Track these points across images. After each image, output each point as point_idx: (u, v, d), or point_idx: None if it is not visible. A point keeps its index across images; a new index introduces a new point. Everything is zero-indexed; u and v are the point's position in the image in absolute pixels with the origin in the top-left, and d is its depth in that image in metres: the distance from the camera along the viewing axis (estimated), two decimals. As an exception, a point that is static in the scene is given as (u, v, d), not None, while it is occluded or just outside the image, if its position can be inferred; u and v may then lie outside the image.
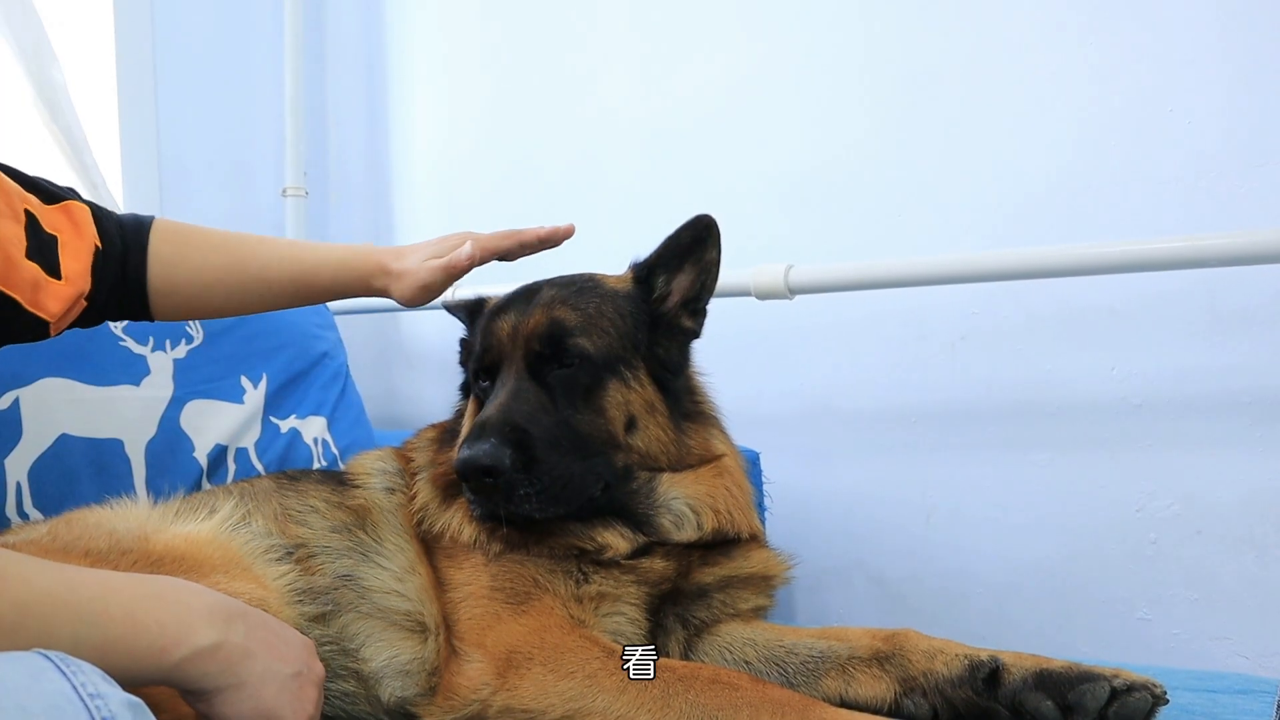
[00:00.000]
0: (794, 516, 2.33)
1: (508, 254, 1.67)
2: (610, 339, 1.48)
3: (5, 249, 1.28)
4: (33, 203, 1.37)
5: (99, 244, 1.45)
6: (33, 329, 1.38)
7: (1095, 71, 2.03)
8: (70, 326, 1.49)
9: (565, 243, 1.69)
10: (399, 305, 1.68)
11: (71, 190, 1.50)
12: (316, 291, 1.65)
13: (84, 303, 1.44)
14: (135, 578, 1.03)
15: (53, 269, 1.36)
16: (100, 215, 1.50)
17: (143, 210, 2.70)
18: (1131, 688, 1.17)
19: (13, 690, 0.75)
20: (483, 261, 1.62)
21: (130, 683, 0.91)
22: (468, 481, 1.38)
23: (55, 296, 1.36)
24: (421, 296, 1.61)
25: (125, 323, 2.03)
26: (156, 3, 2.80)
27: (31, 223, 1.34)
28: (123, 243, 1.51)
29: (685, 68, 2.55)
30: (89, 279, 1.42)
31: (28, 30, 2.38)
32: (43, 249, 1.35)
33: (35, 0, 2.40)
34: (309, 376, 2.29)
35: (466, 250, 1.58)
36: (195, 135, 2.90)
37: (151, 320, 1.59)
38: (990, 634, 2.15)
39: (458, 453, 1.38)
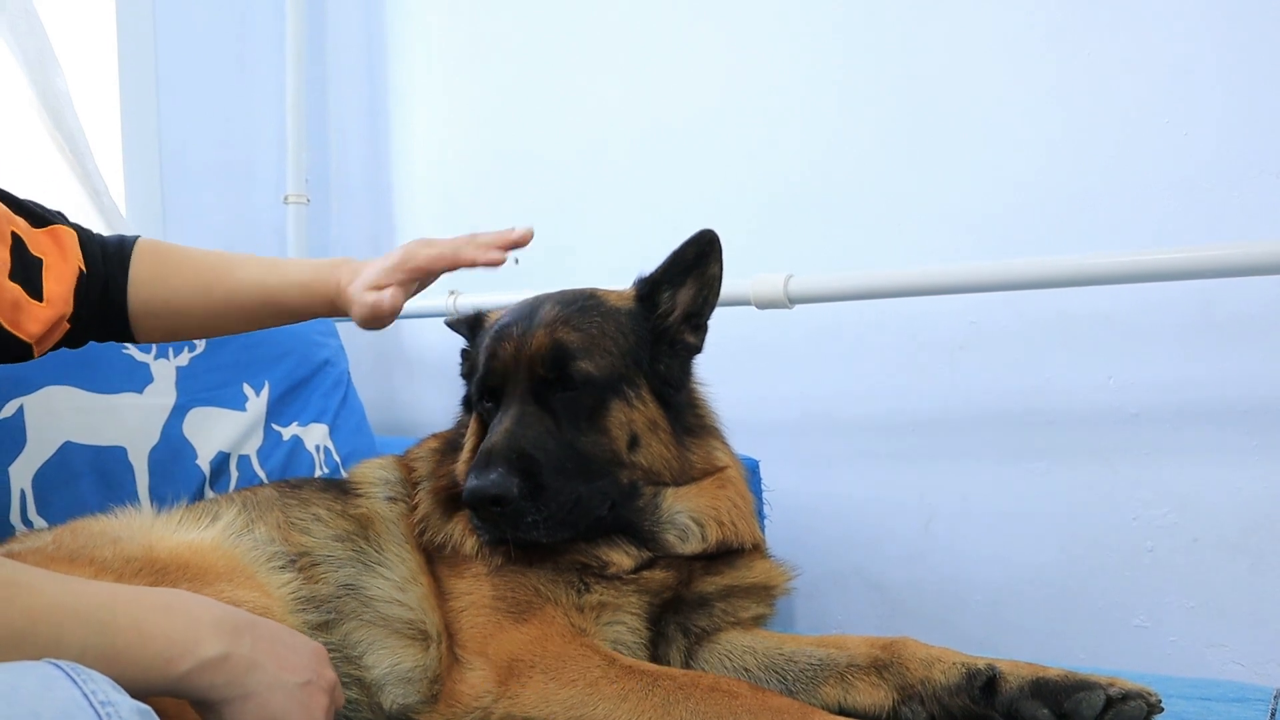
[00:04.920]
0: (793, 524, 2.34)
1: (457, 261, 1.64)
2: (612, 358, 1.48)
3: None
4: (20, 225, 1.40)
5: (83, 268, 1.47)
6: (13, 350, 1.40)
7: (1093, 82, 2.04)
8: (56, 348, 1.50)
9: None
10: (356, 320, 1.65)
11: (60, 214, 1.52)
12: (285, 314, 1.65)
13: (66, 325, 1.46)
14: (143, 589, 1.05)
15: (35, 291, 1.39)
16: (86, 239, 1.52)
17: (145, 216, 2.73)
18: (1127, 696, 1.19)
19: (26, 698, 0.77)
20: (435, 275, 1.62)
21: (137, 693, 0.92)
22: (475, 511, 1.39)
23: (35, 319, 1.39)
24: (368, 324, 1.61)
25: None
26: (159, 11, 2.81)
27: (17, 245, 1.37)
28: (106, 265, 1.53)
29: (686, 73, 2.56)
30: (71, 302, 1.44)
31: (31, 38, 2.39)
32: (27, 271, 1.38)
33: (39, 8, 2.41)
34: (311, 384, 2.30)
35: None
36: (197, 142, 2.91)
37: (135, 342, 1.61)
38: (988, 641, 2.16)
39: (464, 482, 1.40)
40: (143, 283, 1.56)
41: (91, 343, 1.71)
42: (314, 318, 1.68)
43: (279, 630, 1.11)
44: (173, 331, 1.64)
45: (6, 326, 1.35)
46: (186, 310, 1.59)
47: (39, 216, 1.46)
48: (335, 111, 3.21)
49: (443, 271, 1.62)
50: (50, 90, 2.42)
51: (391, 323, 1.64)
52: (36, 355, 1.45)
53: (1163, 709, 1.20)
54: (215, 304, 1.60)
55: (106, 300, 1.53)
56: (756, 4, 2.45)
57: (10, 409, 1.87)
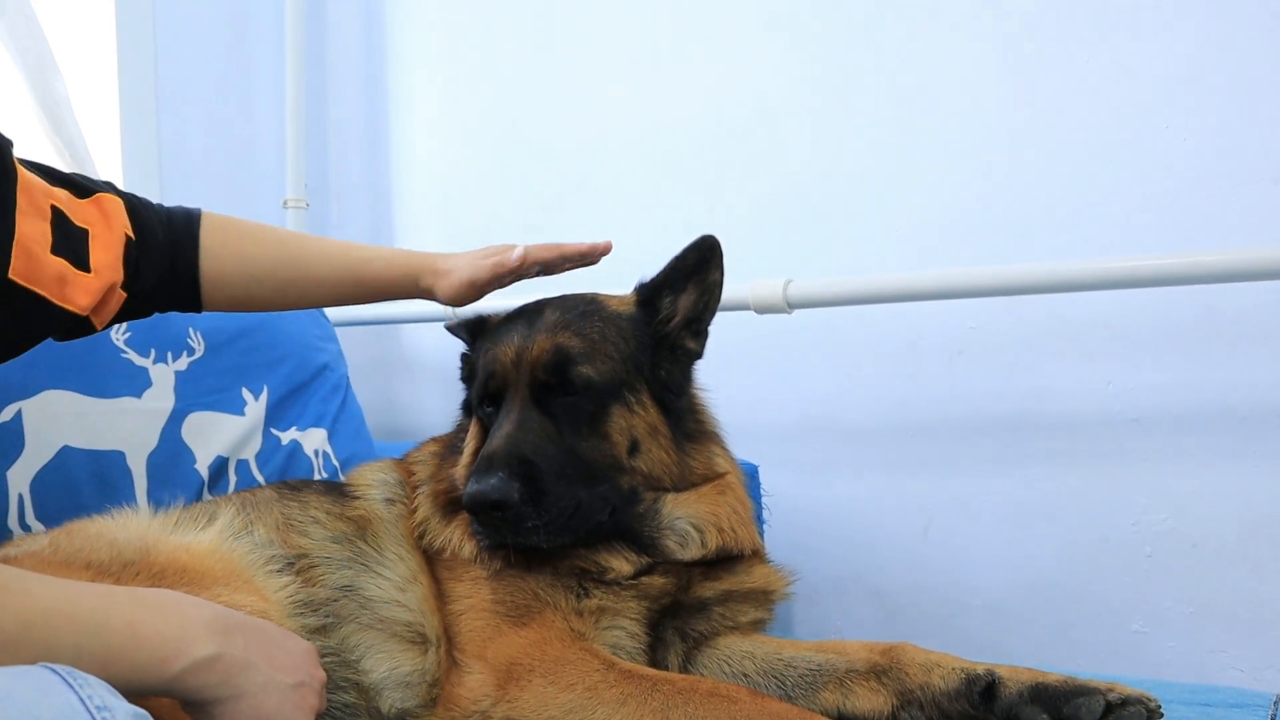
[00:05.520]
0: (792, 529, 2.34)
1: (550, 266, 1.68)
2: (613, 364, 1.48)
3: (27, 246, 1.30)
4: (60, 197, 1.38)
5: (130, 234, 1.46)
6: (67, 323, 1.40)
7: (1092, 87, 2.05)
8: (120, 319, 1.50)
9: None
10: (443, 304, 1.70)
11: (107, 184, 1.51)
12: (365, 290, 1.67)
13: (122, 294, 1.45)
14: (135, 591, 1.05)
15: (82, 263, 1.38)
16: (139, 206, 1.51)
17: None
18: (1126, 701, 1.19)
19: (22, 704, 0.77)
20: (528, 268, 1.65)
21: (131, 694, 0.93)
22: (476, 516, 1.39)
23: (84, 290, 1.38)
24: (468, 293, 1.62)
25: (127, 335, 2.03)
26: (158, 16, 2.81)
27: (59, 219, 1.36)
28: (170, 234, 1.53)
29: (686, 80, 2.56)
30: (120, 269, 1.43)
31: (31, 43, 2.39)
32: (71, 243, 1.36)
33: (39, 13, 2.41)
34: (310, 388, 2.30)
35: (518, 252, 1.61)
36: (197, 148, 2.92)
37: (200, 311, 1.61)
38: (987, 646, 2.16)
39: (465, 487, 1.39)
40: (217, 253, 1.56)
41: (89, 346, 1.71)
42: (392, 297, 1.69)
43: (272, 630, 1.12)
44: (243, 301, 1.63)
45: (54, 301, 1.34)
46: (263, 280, 1.60)
47: (84, 188, 1.45)
48: (335, 116, 3.21)
49: (543, 264, 1.67)
50: (50, 95, 2.43)
51: (485, 293, 1.67)
52: (100, 327, 1.46)
53: (1162, 714, 1.20)
54: (295, 275, 1.61)
55: (175, 269, 1.53)
56: (755, 9, 2.45)
57: (8, 413, 1.87)
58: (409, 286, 1.66)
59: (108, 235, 1.42)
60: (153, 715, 0.87)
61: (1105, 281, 1.86)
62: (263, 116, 3.08)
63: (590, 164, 2.72)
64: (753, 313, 2.16)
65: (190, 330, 2.13)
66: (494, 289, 1.66)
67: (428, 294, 1.66)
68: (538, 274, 1.70)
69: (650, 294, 1.57)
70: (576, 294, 1.60)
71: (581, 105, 2.74)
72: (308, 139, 3.09)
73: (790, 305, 2.12)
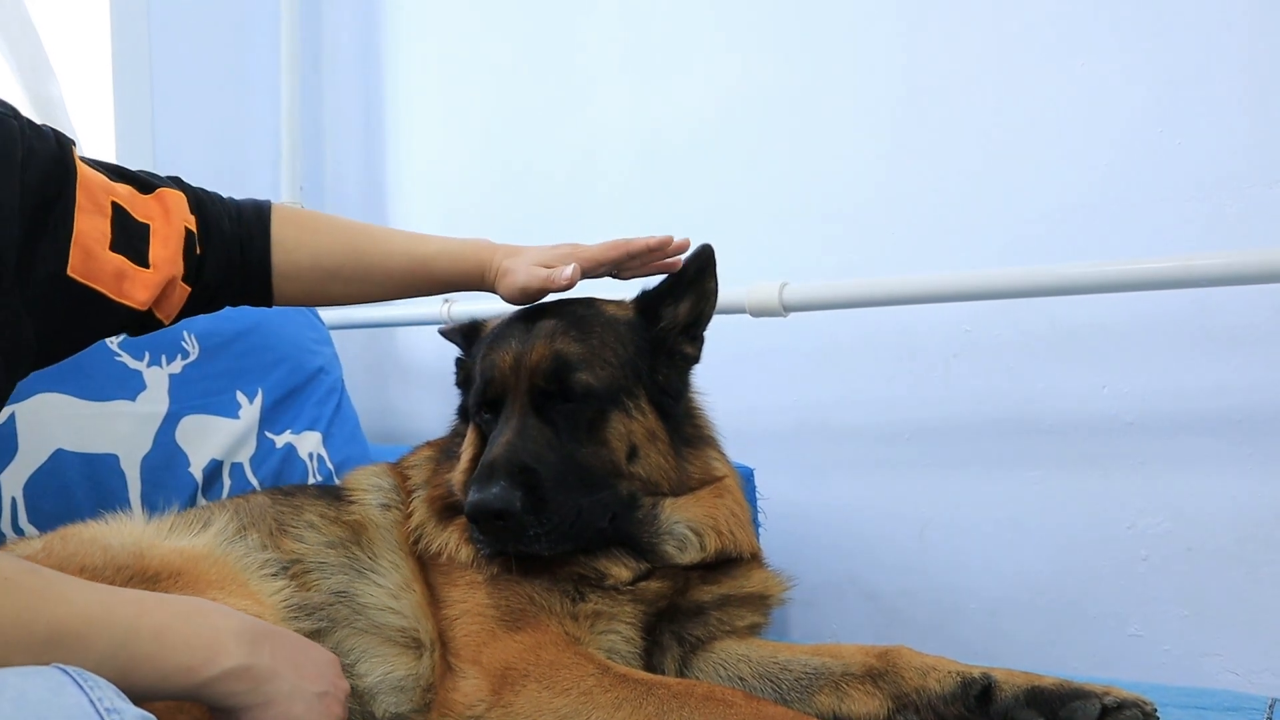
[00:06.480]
0: (788, 532, 2.34)
1: (618, 267, 1.64)
2: (612, 369, 1.48)
3: (86, 244, 1.30)
4: (121, 194, 1.38)
5: (192, 228, 1.46)
6: (128, 319, 1.40)
7: (1088, 91, 2.05)
8: (188, 313, 1.51)
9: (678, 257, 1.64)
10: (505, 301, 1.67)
11: (175, 179, 1.52)
12: (433, 283, 1.67)
13: (185, 287, 1.46)
14: (165, 598, 1.07)
15: (141, 258, 1.38)
16: (204, 199, 1.52)
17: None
18: (1122, 705, 1.19)
19: (34, 704, 0.79)
20: (588, 277, 1.61)
21: (159, 698, 0.97)
22: (478, 524, 1.38)
23: (142, 285, 1.37)
24: (519, 297, 1.60)
25: (121, 338, 2.03)
26: (153, 18, 2.81)
27: (119, 214, 1.36)
28: (240, 227, 1.54)
29: (681, 83, 2.56)
30: (179, 263, 1.43)
31: (25, 44, 2.40)
32: (131, 239, 1.37)
33: (33, 15, 2.41)
34: (304, 391, 2.29)
35: (566, 273, 1.56)
36: (191, 150, 2.91)
37: (271, 305, 1.62)
38: (983, 649, 2.16)
39: (465, 495, 1.39)
40: (288, 245, 1.57)
41: (85, 349, 1.71)
42: (457, 289, 1.70)
43: (297, 640, 1.14)
44: (314, 294, 1.65)
45: (112, 297, 1.34)
46: (334, 272, 1.60)
47: (147, 183, 1.45)
48: (330, 119, 3.21)
49: (608, 265, 1.63)
50: (44, 98, 2.43)
51: (536, 300, 1.63)
52: (168, 322, 1.47)
53: (1158, 717, 1.20)
54: (365, 267, 1.62)
55: (245, 263, 1.54)
56: (751, 16, 2.45)
57: (2, 416, 1.86)
58: (474, 281, 1.66)
59: (167, 230, 1.42)
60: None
61: (1101, 285, 1.86)
62: (258, 118, 3.08)
63: (587, 165, 2.72)
64: (748, 316, 2.16)
65: (185, 333, 2.13)
66: (544, 297, 1.62)
67: (490, 289, 1.66)
68: (613, 275, 1.67)
69: (651, 302, 1.58)
70: (573, 298, 1.60)
71: (578, 107, 2.74)
72: (303, 140, 3.09)
73: (786, 308, 2.12)
